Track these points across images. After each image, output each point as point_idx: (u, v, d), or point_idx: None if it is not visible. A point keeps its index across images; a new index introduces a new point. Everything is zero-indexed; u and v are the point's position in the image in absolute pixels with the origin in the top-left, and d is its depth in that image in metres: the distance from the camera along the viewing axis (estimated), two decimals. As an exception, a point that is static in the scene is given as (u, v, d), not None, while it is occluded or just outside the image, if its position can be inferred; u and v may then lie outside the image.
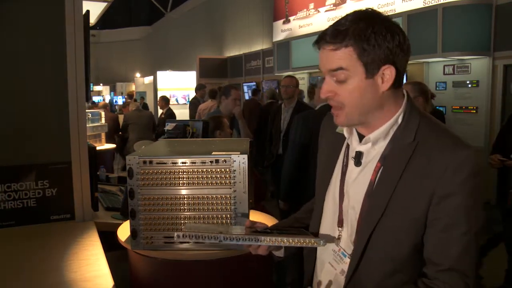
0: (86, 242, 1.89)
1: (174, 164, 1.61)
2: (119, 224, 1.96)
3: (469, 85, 6.01)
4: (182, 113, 10.17)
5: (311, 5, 9.08)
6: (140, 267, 1.81)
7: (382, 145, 1.02)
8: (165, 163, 1.61)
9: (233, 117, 3.63)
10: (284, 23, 9.98)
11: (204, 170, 1.60)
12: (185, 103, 11.73)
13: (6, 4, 2.02)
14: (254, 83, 10.99)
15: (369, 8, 0.99)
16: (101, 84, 20.78)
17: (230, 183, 1.59)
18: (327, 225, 1.14)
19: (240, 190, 1.59)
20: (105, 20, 17.74)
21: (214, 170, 1.59)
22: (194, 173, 1.60)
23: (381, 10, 1.01)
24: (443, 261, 0.94)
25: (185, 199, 1.62)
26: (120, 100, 18.35)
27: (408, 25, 6.43)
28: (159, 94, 10.87)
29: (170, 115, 7.75)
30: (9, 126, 2.06)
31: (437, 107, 5.59)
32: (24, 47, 2.07)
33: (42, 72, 2.11)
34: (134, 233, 1.65)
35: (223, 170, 1.59)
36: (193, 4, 15.97)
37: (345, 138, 1.11)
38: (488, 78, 5.79)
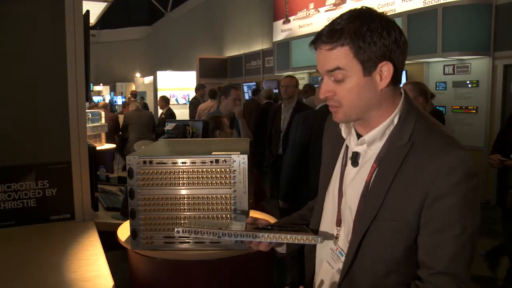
0: (86, 242, 1.89)
1: (174, 164, 1.61)
2: (119, 224, 1.96)
3: (469, 85, 6.02)
4: (182, 113, 10.17)
5: (311, 5, 9.09)
6: (140, 267, 1.81)
7: (378, 146, 1.03)
8: (165, 163, 1.61)
9: (233, 117, 3.63)
10: (284, 23, 9.98)
11: (204, 170, 1.60)
12: (185, 103, 11.74)
13: (6, 4, 2.02)
14: (254, 83, 11.00)
15: (364, 7, 1.00)
16: (101, 84, 20.78)
17: (230, 183, 1.59)
18: (327, 224, 1.15)
19: (240, 190, 1.59)
20: (105, 20, 17.75)
21: (214, 170, 1.59)
22: (194, 173, 1.60)
23: (381, 10, 1.01)
24: (436, 264, 0.93)
25: (185, 199, 1.62)
26: (119, 100, 18.36)
27: (408, 25, 6.43)
28: (159, 94, 10.88)
29: (170, 115, 7.75)
30: (9, 126, 2.06)
31: (437, 107, 5.60)
32: (24, 47, 2.07)
33: (42, 72, 2.11)
34: (134, 233, 1.65)
35: (223, 170, 1.59)
36: (193, 4, 15.97)
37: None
38: (488, 78, 5.79)
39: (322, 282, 1.14)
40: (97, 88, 20.05)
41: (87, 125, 3.33)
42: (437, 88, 6.30)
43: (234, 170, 1.58)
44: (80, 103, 2.15)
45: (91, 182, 2.24)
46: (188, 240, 1.65)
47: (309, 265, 1.22)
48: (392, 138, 1.00)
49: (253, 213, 1.90)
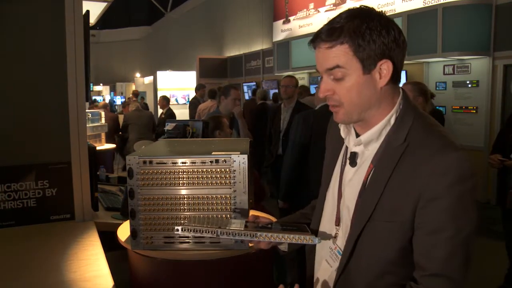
0: (86, 242, 1.89)
1: (174, 164, 1.61)
2: (119, 224, 1.96)
3: (469, 85, 6.02)
4: (182, 113, 10.18)
5: (311, 5, 9.09)
6: (140, 267, 1.81)
7: (375, 146, 1.03)
8: (165, 163, 1.61)
9: (232, 117, 3.63)
10: (284, 23, 9.98)
11: (204, 170, 1.60)
12: (185, 103, 11.74)
13: (6, 4, 2.02)
14: (254, 83, 11.00)
15: (363, 5, 1.00)
16: (101, 84, 20.79)
17: (230, 183, 1.59)
18: (326, 223, 1.15)
19: (240, 190, 1.59)
20: (105, 20, 17.75)
21: (214, 170, 1.59)
22: (194, 173, 1.60)
23: (381, 10, 1.01)
24: (430, 265, 0.93)
25: (185, 199, 1.62)
26: (118, 100, 18.36)
27: (408, 25, 6.43)
28: (159, 94, 10.88)
29: (170, 115, 7.75)
30: (9, 126, 2.06)
31: (437, 107, 5.59)
32: (24, 47, 2.07)
33: (42, 72, 2.11)
34: (134, 233, 1.65)
35: (223, 170, 1.59)
36: (193, 4, 15.97)
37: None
38: (488, 78, 5.80)
39: (320, 280, 1.15)
40: (97, 88, 20.07)
41: (87, 125, 3.33)
42: (437, 88, 6.30)
43: (234, 170, 1.58)
44: (80, 103, 2.15)
45: (91, 182, 2.24)
46: (188, 240, 1.65)
47: (310, 263, 1.23)
48: (389, 139, 1.00)
49: (254, 213, 1.90)
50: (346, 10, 0.99)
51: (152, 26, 21.00)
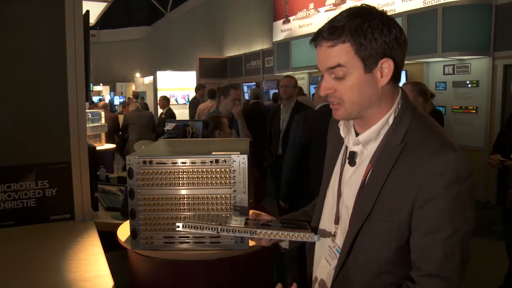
0: (86, 242, 1.89)
1: (174, 164, 1.61)
2: (119, 224, 1.96)
3: (469, 85, 6.02)
4: (182, 113, 10.18)
5: (311, 5, 9.09)
6: (140, 267, 1.81)
7: (374, 146, 1.03)
8: (165, 163, 1.61)
9: (232, 117, 3.63)
10: (284, 23, 9.98)
11: (204, 170, 1.60)
12: (185, 103, 11.74)
13: (6, 4, 2.02)
14: (254, 83, 11.00)
15: (364, 4, 1.00)
16: (101, 84, 20.79)
17: (230, 183, 1.59)
18: (326, 221, 1.16)
19: (240, 190, 1.59)
20: (105, 20, 17.75)
21: (214, 170, 1.59)
22: (194, 173, 1.60)
23: (382, 9, 1.01)
24: (426, 266, 0.93)
25: (185, 199, 1.62)
26: (117, 100, 18.36)
27: (408, 25, 6.43)
28: (159, 94, 10.88)
29: (170, 115, 7.75)
30: (9, 126, 2.06)
31: (437, 107, 5.60)
32: (24, 47, 2.07)
33: (42, 72, 2.11)
34: (134, 233, 1.65)
35: (223, 170, 1.59)
36: (193, 4, 15.97)
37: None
38: (488, 78, 5.80)
39: (319, 278, 1.15)
40: (97, 88, 20.07)
41: (87, 125, 3.33)
42: (437, 88, 6.31)
43: (234, 170, 1.58)
44: (80, 103, 2.15)
45: (91, 182, 2.24)
46: (188, 240, 1.65)
47: (310, 261, 1.23)
48: (388, 139, 1.00)
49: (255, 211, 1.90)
50: (347, 9, 0.99)
51: (152, 26, 21.01)
